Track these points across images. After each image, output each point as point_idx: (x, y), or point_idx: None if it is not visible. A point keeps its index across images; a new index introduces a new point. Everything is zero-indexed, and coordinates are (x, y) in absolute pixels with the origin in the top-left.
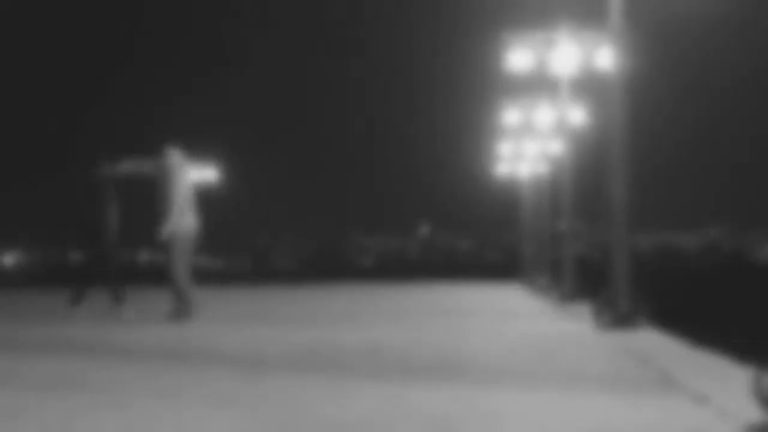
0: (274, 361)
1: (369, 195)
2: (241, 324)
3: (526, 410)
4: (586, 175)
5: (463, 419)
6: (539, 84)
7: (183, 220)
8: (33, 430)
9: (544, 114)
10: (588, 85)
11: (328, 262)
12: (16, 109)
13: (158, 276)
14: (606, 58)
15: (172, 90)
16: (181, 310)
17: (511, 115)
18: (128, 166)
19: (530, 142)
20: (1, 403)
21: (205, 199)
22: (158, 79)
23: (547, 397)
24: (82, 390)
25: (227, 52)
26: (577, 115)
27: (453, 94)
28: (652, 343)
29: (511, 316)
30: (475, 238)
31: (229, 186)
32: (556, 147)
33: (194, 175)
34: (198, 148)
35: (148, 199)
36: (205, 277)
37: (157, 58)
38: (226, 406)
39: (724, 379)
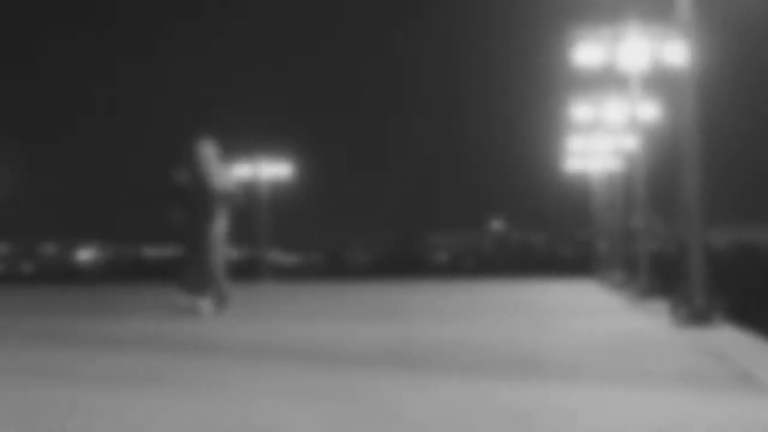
0: (350, 356)
1: (441, 192)
2: (317, 319)
3: (602, 406)
4: (660, 170)
5: (541, 414)
6: (609, 79)
7: (222, 212)
8: (109, 425)
9: (615, 109)
10: (659, 80)
11: (402, 259)
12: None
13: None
14: (675, 52)
15: (243, 86)
16: (220, 304)
17: (581, 111)
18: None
19: (601, 137)
20: (52, 397)
21: (279, 194)
22: (231, 76)
23: (623, 393)
24: (156, 384)
25: (298, 48)
26: (649, 111)
27: (523, 90)
28: (729, 339)
29: (587, 312)
30: (548, 234)
31: (302, 182)
32: (629, 142)
33: (268, 170)
34: (273, 143)
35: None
36: (278, 272)
37: (228, 52)
38: (299, 400)
39: None
